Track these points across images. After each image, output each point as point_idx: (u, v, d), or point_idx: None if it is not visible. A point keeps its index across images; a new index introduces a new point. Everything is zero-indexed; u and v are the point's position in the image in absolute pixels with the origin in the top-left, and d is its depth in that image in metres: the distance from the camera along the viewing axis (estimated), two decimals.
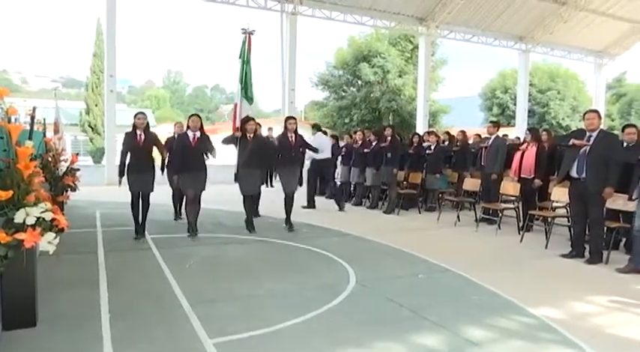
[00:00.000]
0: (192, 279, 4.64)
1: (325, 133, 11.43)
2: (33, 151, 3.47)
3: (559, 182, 6.32)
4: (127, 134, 6.22)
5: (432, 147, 9.68)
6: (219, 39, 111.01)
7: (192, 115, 6.68)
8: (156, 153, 6.49)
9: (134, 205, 6.24)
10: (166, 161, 7.07)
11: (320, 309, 3.84)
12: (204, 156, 6.55)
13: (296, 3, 15.13)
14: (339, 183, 11.06)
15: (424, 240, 6.95)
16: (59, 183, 6.43)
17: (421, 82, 18.56)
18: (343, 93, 26.11)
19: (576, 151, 5.69)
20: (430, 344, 3.27)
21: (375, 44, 24.54)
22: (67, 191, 6.69)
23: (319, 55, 75.87)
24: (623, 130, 6.47)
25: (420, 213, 9.39)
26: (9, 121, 3.63)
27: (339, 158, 10.90)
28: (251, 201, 7.14)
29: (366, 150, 9.81)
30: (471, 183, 8.63)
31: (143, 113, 6.35)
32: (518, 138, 12.17)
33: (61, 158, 7.40)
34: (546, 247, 6.40)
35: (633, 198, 5.40)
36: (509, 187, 7.71)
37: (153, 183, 6.25)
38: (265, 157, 7.10)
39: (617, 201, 5.71)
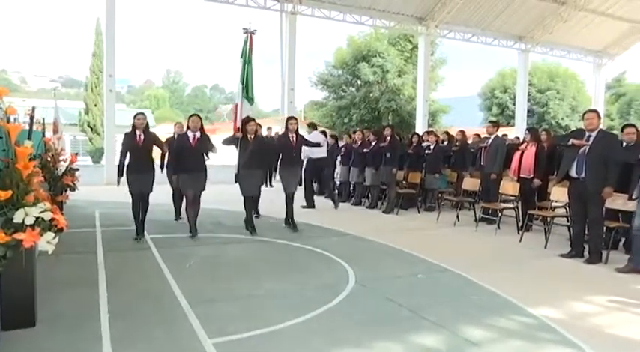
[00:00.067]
0: (191, 279, 4.64)
1: (325, 133, 11.43)
2: (32, 151, 3.47)
3: (558, 182, 6.32)
4: (126, 134, 6.19)
5: (432, 147, 9.69)
6: (219, 39, 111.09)
7: (192, 115, 6.65)
8: (156, 154, 6.47)
9: (135, 207, 6.20)
10: (166, 157, 7.05)
11: (319, 309, 3.84)
12: (205, 156, 6.54)
13: (295, 3, 15.13)
14: (338, 182, 11.08)
15: (423, 239, 6.95)
16: (58, 183, 6.43)
17: (420, 82, 18.56)
18: (342, 93, 26.10)
19: (575, 151, 5.70)
20: (429, 344, 3.27)
21: (375, 44, 24.54)
22: (66, 191, 6.68)
23: (318, 55, 76.04)
24: (622, 130, 6.48)
25: (419, 212, 9.40)
26: (8, 121, 3.62)
27: (339, 158, 10.91)
28: (251, 202, 7.11)
29: (365, 150, 9.82)
30: (471, 183, 8.63)
31: (143, 113, 6.31)
32: (518, 137, 12.18)
33: (61, 158, 7.39)
34: (545, 247, 6.41)
35: (633, 197, 5.40)
36: (509, 187, 7.72)
37: (152, 184, 6.22)
38: (265, 157, 7.09)
39: (617, 201, 5.72)
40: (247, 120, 6.78)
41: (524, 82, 20.78)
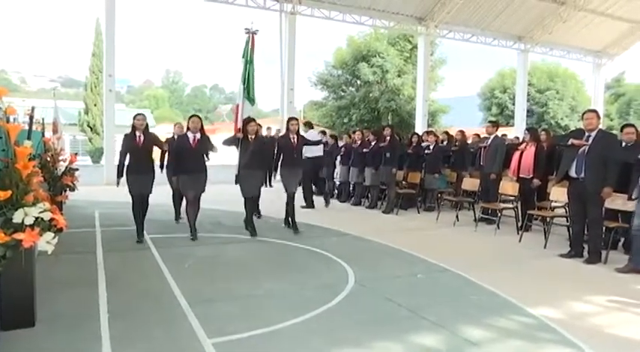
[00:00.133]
0: (191, 279, 4.64)
1: (324, 133, 11.43)
2: (31, 151, 3.48)
3: (558, 182, 6.33)
4: (126, 135, 6.13)
5: (431, 147, 9.69)
6: (218, 39, 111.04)
7: (192, 116, 6.58)
8: (155, 154, 6.44)
9: (135, 208, 6.14)
10: (166, 156, 7.01)
11: (319, 309, 3.84)
12: (205, 157, 6.50)
13: (295, 3, 15.13)
14: (337, 182, 11.08)
15: (423, 239, 6.95)
16: (58, 183, 6.43)
17: (420, 82, 18.56)
18: (342, 93, 26.11)
19: (575, 151, 5.70)
20: (429, 344, 3.27)
21: (374, 44, 24.55)
22: (65, 191, 6.69)
23: (318, 55, 76.09)
24: (621, 130, 6.48)
25: (418, 212, 9.40)
26: (7, 121, 3.62)
27: (338, 158, 10.91)
28: (252, 202, 7.07)
29: (365, 150, 9.82)
30: (470, 183, 8.64)
31: (142, 114, 6.26)
32: (517, 137, 12.18)
33: (60, 158, 7.39)
34: (545, 247, 6.41)
35: (632, 197, 5.40)
36: (508, 187, 7.72)
37: (152, 185, 6.17)
38: (266, 158, 7.07)
39: (616, 201, 5.72)
40: (248, 120, 6.74)
41: (524, 81, 20.78)
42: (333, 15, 16.41)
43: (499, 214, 7.55)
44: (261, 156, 6.76)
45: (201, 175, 6.38)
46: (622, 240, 6.28)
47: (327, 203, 9.96)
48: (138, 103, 54.53)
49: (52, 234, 3.12)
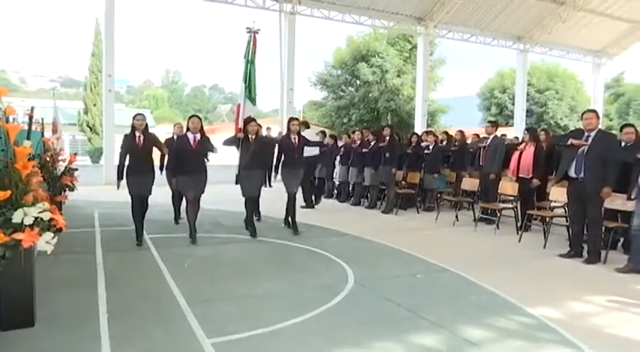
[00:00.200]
0: (190, 279, 4.64)
1: (324, 133, 11.42)
2: (31, 151, 3.48)
3: (557, 182, 6.33)
4: (125, 136, 6.05)
5: (431, 147, 9.69)
6: (218, 38, 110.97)
7: (192, 116, 6.48)
8: (155, 154, 6.39)
9: (135, 209, 6.06)
10: (166, 159, 6.98)
11: (318, 309, 3.84)
12: (205, 158, 6.45)
13: (294, 3, 15.13)
14: (337, 182, 11.08)
15: (422, 239, 6.95)
16: (57, 183, 6.43)
17: (419, 82, 18.56)
18: (342, 93, 26.13)
19: (575, 151, 5.70)
20: (428, 344, 3.27)
21: (374, 44, 24.56)
22: (65, 191, 6.69)
23: (318, 55, 76.07)
24: (621, 130, 6.48)
25: (418, 212, 9.40)
26: (7, 121, 3.62)
27: (338, 158, 10.90)
28: (252, 203, 7.02)
29: (364, 150, 9.82)
30: (470, 183, 8.63)
31: (142, 114, 6.18)
32: (517, 137, 12.18)
33: (59, 158, 7.40)
34: (544, 247, 6.41)
35: (632, 197, 5.40)
36: (508, 187, 7.72)
37: (152, 186, 6.10)
38: (266, 158, 7.04)
39: (616, 201, 5.72)
40: (248, 120, 6.70)
41: (523, 81, 20.79)
42: (333, 15, 16.41)
43: (498, 214, 7.55)
44: (261, 156, 6.73)
45: (202, 176, 6.31)
46: (621, 239, 6.28)
47: (316, 202, 9.87)
48: (137, 103, 54.52)
49: (52, 234, 3.12)
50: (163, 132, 16.57)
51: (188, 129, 6.32)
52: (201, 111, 55.37)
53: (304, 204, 9.48)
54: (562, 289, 4.63)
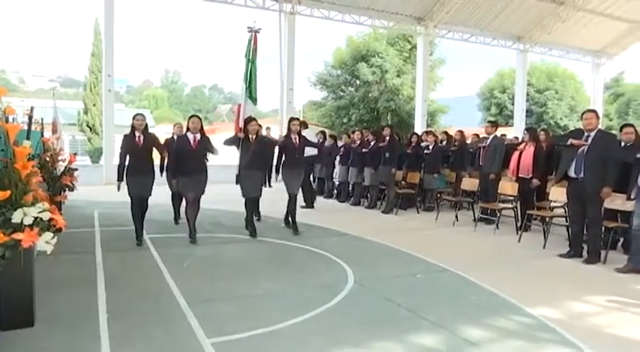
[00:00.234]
0: (190, 279, 4.64)
1: (324, 133, 11.42)
2: (31, 151, 3.48)
3: (557, 182, 6.33)
4: (125, 136, 6.01)
5: (430, 147, 9.69)
6: (218, 38, 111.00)
7: (192, 116, 6.44)
8: (155, 155, 6.36)
9: (135, 210, 6.02)
10: (166, 162, 6.94)
11: (318, 309, 3.84)
12: (205, 158, 6.41)
13: (294, 3, 15.13)
14: (337, 182, 11.08)
15: (422, 239, 6.95)
16: (57, 183, 6.44)
17: (419, 82, 18.57)
18: (341, 93, 26.13)
19: (574, 151, 5.70)
20: (428, 344, 3.27)
21: (374, 44, 24.57)
22: (64, 191, 6.69)
23: (317, 55, 76.00)
24: (620, 130, 6.48)
25: (418, 212, 9.40)
26: (7, 121, 3.62)
27: (338, 158, 10.90)
28: (253, 203, 6.98)
29: (364, 150, 9.82)
30: (469, 183, 8.63)
31: (142, 114, 6.14)
32: (517, 137, 12.18)
33: (59, 158, 7.40)
34: (544, 247, 6.41)
35: (631, 197, 5.40)
36: (507, 187, 7.72)
37: (152, 187, 6.05)
38: (267, 158, 7.01)
39: (615, 201, 5.72)
40: (249, 120, 6.69)
41: (523, 81, 20.80)
42: (333, 15, 16.42)
43: (498, 214, 7.55)
44: (262, 156, 6.71)
45: (202, 176, 6.26)
46: (621, 239, 6.28)
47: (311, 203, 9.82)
48: (137, 103, 54.52)
49: (51, 234, 3.12)
50: (163, 132, 16.56)
51: (188, 129, 6.29)
52: (201, 111, 55.35)
53: (304, 204, 9.47)
54: (562, 289, 4.63)
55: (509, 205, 7.86)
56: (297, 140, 7.11)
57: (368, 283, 4.62)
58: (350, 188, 10.68)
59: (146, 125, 6.09)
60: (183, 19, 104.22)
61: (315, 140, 9.67)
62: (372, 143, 9.67)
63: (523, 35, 19.55)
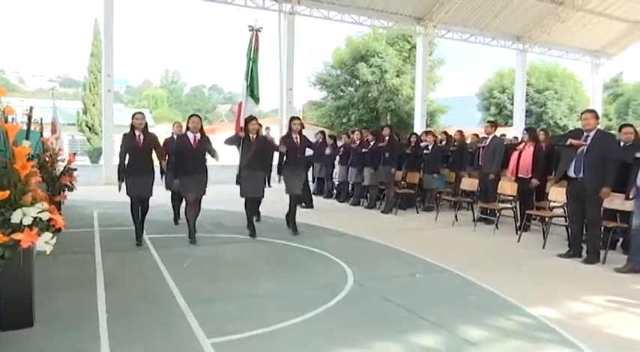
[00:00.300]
0: (190, 279, 4.64)
1: (323, 133, 11.41)
2: (30, 151, 3.47)
3: (556, 182, 6.34)
4: (124, 135, 5.95)
5: (430, 147, 9.69)
6: (218, 38, 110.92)
7: (192, 116, 6.41)
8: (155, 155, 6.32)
9: (134, 210, 5.97)
10: (165, 165, 6.85)
11: (318, 309, 3.84)
12: (205, 158, 6.33)
13: (294, 3, 15.13)
14: (336, 182, 11.07)
15: (422, 239, 6.95)
16: (56, 183, 6.42)
17: (419, 82, 18.57)
18: (341, 93, 26.14)
19: (574, 151, 5.70)
20: (428, 344, 3.27)
21: (373, 44, 24.57)
22: (64, 191, 6.68)
23: (317, 55, 76.10)
24: (620, 130, 6.49)
25: (417, 212, 9.40)
26: (6, 121, 3.62)
27: (337, 158, 10.90)
28: (253, 203, 6.93)
29: (364, 150, 9.82)
30: (469, 183, 8.64)
31: (141, 113, 6.09)
32: (516, 137, 12.18)
33: (59, 158, 7.39)
34: (544, 247, 6.41)
35: (630, 197, 5.41)
36: (507, 187, 7.72)
37: (152, 186, 5.98)
38: (267, 158, 6.96)
39: (615, 201, 5.72)
40: (249, 119, 6.65)
41: (523, 82, 20.80)
42: (332, 15, 16.43)
43: (498, 214, 7.55)
44: (263, 156, 6.68)
45: (202, 176, 6.22)
46: (621, 239, 6.29)
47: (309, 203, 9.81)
48: (137, 103, 54.51)
49: (51, 234, 3.11)
50: (162, 131, 16.57)
51: (188, 129, 6.25)
52: (201, 111, 55.27)
53: (304, 204, 9.47)
54: (561, 289, 4.63)
55: (509, 205, 7.86)
56: (298, 140, 7.09)
57: (367, 283, 4.62)
58: (349, 188, 10.68)
59: (146, 124, 6.04)
60: (183, 19, 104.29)
61: (314, 140, 9.68)
62: (372, 143, 9.67)
63: (522, 35, 19.56)
